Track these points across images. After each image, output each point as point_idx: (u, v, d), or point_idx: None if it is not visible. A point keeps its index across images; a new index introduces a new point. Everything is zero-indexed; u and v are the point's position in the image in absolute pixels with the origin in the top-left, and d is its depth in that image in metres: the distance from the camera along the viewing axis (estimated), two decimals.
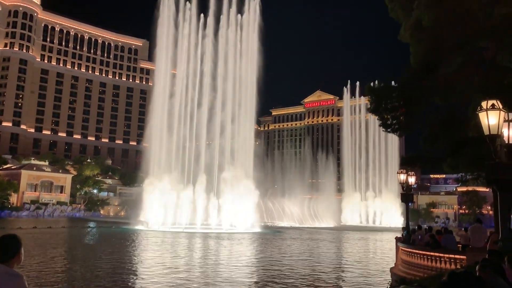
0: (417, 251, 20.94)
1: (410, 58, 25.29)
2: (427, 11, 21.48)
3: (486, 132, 10.76)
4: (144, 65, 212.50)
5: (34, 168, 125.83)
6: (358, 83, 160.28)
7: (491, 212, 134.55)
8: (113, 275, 24.94)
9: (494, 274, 6.61)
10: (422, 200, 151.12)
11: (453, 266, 17.53)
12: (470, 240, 18.77)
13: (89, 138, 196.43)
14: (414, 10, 22.79)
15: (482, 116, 10.81)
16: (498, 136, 10.68)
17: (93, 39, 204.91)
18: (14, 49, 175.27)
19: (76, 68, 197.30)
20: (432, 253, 19.43)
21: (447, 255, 18.55)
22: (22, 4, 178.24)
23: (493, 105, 10.62)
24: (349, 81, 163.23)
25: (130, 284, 22.97)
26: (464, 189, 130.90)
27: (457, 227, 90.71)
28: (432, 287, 8.25)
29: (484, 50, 23.81)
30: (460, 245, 21.07)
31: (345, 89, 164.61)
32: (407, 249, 22.38)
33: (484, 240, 17.40)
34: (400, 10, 25.25)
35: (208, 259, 35.12)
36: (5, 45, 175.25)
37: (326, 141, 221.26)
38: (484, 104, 10.76)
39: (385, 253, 43.58)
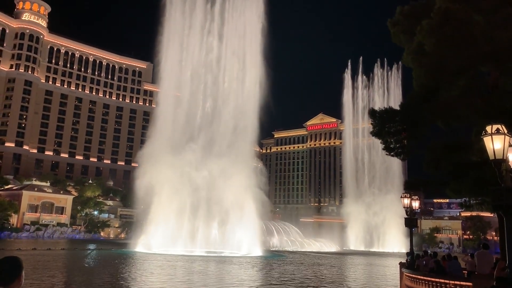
0: (421, 277, 20.58)
1: (413, 82, 25.45)
2: (429, 36, 21.72)
3: (491, 156, 10.69)
4: (148, 87, 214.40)
5: (35, 189, 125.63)
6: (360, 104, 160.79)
7: (495, 238, 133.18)
8: None
9: None
10: (426, 224, 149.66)
11: None
12: (476, 266, 18.45)
13: (91, 159, 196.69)
14: (416, 35, 23.05)
15: (487, 140, 10.76)
16: (504, 160, 10.61)
17: (97, 61, 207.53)
18: (20, 70, 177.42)
19: (80, 90, 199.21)
20: (437, 279, 19.08)
21: (452, 282, 18.21)
22: (29, 27, 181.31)
23: (498, 129, 10.58)
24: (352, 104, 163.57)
25: None
26: (468, 214, 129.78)
27: (462, 253, 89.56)
28: None
29: (487, 74, 23.97)
30: (466, 271, 20.71)
31: (347, 112, 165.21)
32: (411, 275, 22.01)
33: (490, 267, 17.11)
34: (403, 35, 25.56)
35: (210, 285, 34.55)
36: (11, 67, 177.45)
37: (328, 164, 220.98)
38: (488, 128, 10.73)
39: (388, 279, 42.87)
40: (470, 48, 20.82)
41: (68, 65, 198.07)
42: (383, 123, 26.42)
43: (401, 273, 25.27)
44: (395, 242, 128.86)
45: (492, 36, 20.66)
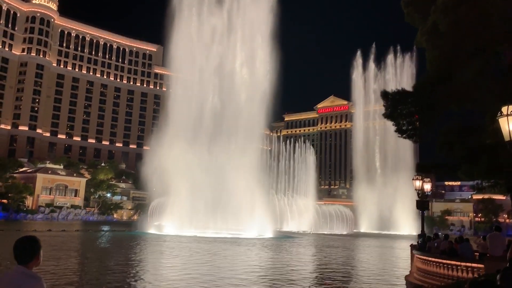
0: (433, 259, 20.58)
1: (426, 63, 25.05)
2: (444, 16, 21.26)
3: (506, 138, 10.53)
4: (158, 70, 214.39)
5: (49, 172, 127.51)
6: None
7: (508, 220, 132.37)
8: (126, 276, 25.04)
9: None
10: (437, 207, 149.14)
11: (470, 275, 17.17)
12: (488, 249, 18.39)
13: (104, 142, 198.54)
14: (431, 15, 22.58)
15: (502, 121, 10.58)
16: None
17: (108, 45, 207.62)
18: (31, 54, 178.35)
19: (91, 73, 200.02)
20: (448, 262, 19.07)
21: (464, 264, 18.19)
22: (39, 10, 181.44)
23: None
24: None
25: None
26: (479, 196, 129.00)
27: (473, 235, 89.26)
28: None
29: (503, 55, 23.48)
30: (478, 254, 20.66)
31: (358, 94, 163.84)
32: (422, 257, 22.01)
33: (503, 249, 17.03)
34: (417, 15, 25.06)
35: (223, 266, 35.00)
36: (23, 50, 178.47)
37: (339, 147, 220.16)
38: (504, 109, 10.54)
39: (399, 261, 43.01)
40: (486, 28, 20.37)
41: (79, 49, 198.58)
42: (396, 105, 26.16)
43: (412, 255, 25.31)
44: (406, 224, 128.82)
45: (509, 15, 20.15)
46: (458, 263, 18.47)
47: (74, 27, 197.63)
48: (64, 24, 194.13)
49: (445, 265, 19.26)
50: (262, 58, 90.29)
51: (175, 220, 76.93)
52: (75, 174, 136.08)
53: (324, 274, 31.61)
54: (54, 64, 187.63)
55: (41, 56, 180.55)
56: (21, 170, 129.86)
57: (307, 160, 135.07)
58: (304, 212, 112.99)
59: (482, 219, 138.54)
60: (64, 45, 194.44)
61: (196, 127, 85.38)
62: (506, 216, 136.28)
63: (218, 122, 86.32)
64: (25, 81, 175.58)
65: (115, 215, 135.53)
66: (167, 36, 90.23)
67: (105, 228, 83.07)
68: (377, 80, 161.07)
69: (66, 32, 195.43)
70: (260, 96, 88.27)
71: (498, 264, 11.80)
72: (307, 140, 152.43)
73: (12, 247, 4.58)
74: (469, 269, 17.80)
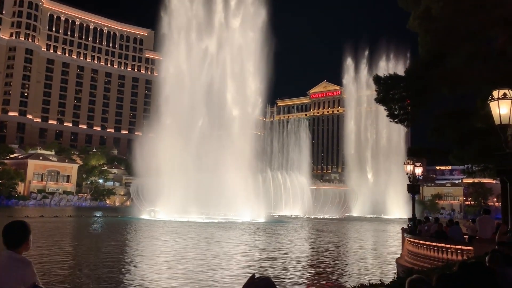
0: (423, 242, 20.88)
1: (419, 48, 25.01)
2: None
3: (497, 122, 10.60)
4: (149, 55, 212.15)
5: (41, 158, 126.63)
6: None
7: (497, 204, 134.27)
8: (120, 262, 25.13)
9: (504, 265, 6.56)
10: (428, 191, 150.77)
11: (459, 257, 17.45)
12: (478, 231, 18.66)
13: (95, 128, 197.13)
14: None
15: (493, 105, 10.64)
16: (509, 126, 10.52)
17: (98, 29, 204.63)
18: (20, 38, 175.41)
19: (81, 58, 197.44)
20: (438, 244, 19.36)
21: (453, 246, 18.48)
22: None
23: (504, 94, 10.45)
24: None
25: (135, 274, 23.12)
26: (470, 180, 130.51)
27: (463, 219, 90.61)
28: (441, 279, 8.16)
29: (495, 40, 23.49)
30: (467, 236, 20.98)
31: (347, 77, 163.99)
32: (413, 240, 22.32)
33: (492, 231, 17.29)
34: None
35: (214, 250, 35.23)
36: (11, 35, 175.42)
37: (331, 132, 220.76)
38: (495, 93, 10.59)
39: (390, 244, 43.57)
40: (479, 12, 20.31)
41: (69, 33, 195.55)
42: (388, 90, 26.15)
43: (403, 238, 25.64)
44: (397, 208, 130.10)
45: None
46: (448, 245, 18.75)
47: (63, 11, 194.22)
48: (53, 8, 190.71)
49: (435, 248, 19.55)
50: (255, 43, 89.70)
51: (168, 205, 77.02)
52: (66, 160, 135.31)
53: (316, 257, 31.95)
54: (44, 49, 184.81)
55: (30, 40, 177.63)
56: (12, 156, 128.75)
57: (301, 137, 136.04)
58: (298, 190, 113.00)
59: (472, 202, 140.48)
60: (54, 29, 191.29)
61: (189, 112, 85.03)
62: (496, 199, 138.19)
63: (211, 106, 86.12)
64: (14, 66, 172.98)
65: (107, 201, 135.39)
66: (158, 20, 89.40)
67: (98, 214, 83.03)
68: (369, 65, 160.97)
69: (55, 16, 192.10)
70: (253, 81, 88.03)
71: (487, 247, 11.98)
72: (300, 120, 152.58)
73: (1, 232, 4.54)
74: (458, 251, 18.08)
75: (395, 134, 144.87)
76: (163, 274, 22.74)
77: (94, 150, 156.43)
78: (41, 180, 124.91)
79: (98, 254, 29.68)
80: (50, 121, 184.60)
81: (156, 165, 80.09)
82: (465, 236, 21.07)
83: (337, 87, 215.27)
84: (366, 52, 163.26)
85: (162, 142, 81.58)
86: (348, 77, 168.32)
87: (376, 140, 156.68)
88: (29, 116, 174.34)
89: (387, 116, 27.12)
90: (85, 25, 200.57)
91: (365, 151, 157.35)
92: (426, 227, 23.52)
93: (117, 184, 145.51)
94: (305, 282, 22.00)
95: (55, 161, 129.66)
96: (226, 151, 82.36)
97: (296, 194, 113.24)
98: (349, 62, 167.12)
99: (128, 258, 27.87)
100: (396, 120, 26.72)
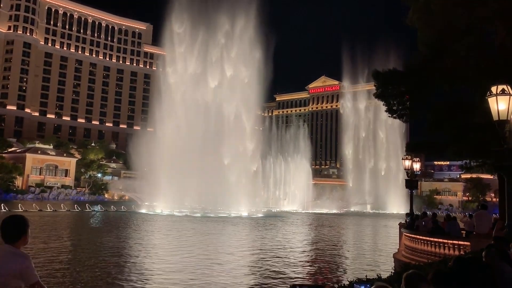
0: (420, 237, 20.93)
1: (418, 42, 24.95)
2: None
3: (495, 117, 10.60)
4: (148, 49, 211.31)
5: (39, 152, 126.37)
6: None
7: (495, 200, 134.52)
8: (118, 256, 25.17)
9: (500, 260, 6.59)
10: (426, 187, 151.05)
11: (457, 252, 17.50)
12: (475, 227, 18.73)
13: (93, 122, 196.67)
14: None
15: (491, 101, 10.63)
16: (507, 121, 10.52)
17: (96, 23, 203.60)
18: (18, 32, 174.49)
19: (80, 52, 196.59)
20: (436, 239, 19.40)
21: (451, 241, 18.53)
22: None
23: (503, 90, 10.44)
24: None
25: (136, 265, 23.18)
26: (468, 176, 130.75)
27: (461, 214, 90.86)
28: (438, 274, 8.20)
29: (493, 34, 23.43)
30: (464, 232, 21.05)
31: (348, 73, 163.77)
32: (410, 235, 22.37)
33: (489, 227, 17.36)
34: None
35: (210, 244, 35.32)
36: (9, 28, 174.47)
37: (330, 127, 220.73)
38: (493, 89, 10.58)
39: (388, 239, 43.72)
40: (478, 6, 20.26)
41: (67, 27, 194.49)
42: (386, 85, 26.12)
43: (401, 233, 25.71)
44: (395, 203, 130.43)
45: None
46: (445, 240, 18.80)
47: (61, 4, 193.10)
48: (51, 1, 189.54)
49: (432, 243, 19.60)
50: (253, 40, 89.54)
51: (167, 200, 77.11)
52: (65, 154, 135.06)
53: (315, 252, 32.06)
54: (42, 43, 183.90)
55: (28, 34, 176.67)
56: (10, 150, 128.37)
57: (300, 136, 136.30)
58: (297, 185, 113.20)
59: (470, 198, 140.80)
60: (52, 23, 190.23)
61: (188, 107, 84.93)
62: (493, 195, 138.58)
63: (210, 99, 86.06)
64: (12, 59, 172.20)
65: (106, 195, 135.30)
66: (157, 14, 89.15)
67: (97, 207, 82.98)
68: (368, 59, 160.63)
69: (53, 10, 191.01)
70: (252, 77, 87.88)
71: (484, 242, 12.02)
72: (299, 119, 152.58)
73: None
74: (455, 246, 18.14)
75: (394, 130, 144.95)
76: (166, 266, 22.78)
77: (93, 144, 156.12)
78: (39, 174, 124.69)
79: (98, 247, 29.71)
80: (48, 115, 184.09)
81: (154, 159, 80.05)
82: (462, 231, 21.14)
83: (336, 82, 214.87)
84: (365, 47, 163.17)
85: (160, 136, 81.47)
86: (347, 72, 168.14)
87: (374, 135, 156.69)
88: (27, 110, 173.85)
89: (386, 111, 27.10)
90: (83, 19, 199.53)
91: (363, 146, 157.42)
92: (423, 222, 23.59)
93: (116, 178, 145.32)
94: (302, 278, 22.08)
95: (53, 155, 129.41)
96: (225, 146, 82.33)
97: (295, 189, 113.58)
98: (348, 57, 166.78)
99: (128, 252, 27.90)
100: (394, 115, 26.72)
